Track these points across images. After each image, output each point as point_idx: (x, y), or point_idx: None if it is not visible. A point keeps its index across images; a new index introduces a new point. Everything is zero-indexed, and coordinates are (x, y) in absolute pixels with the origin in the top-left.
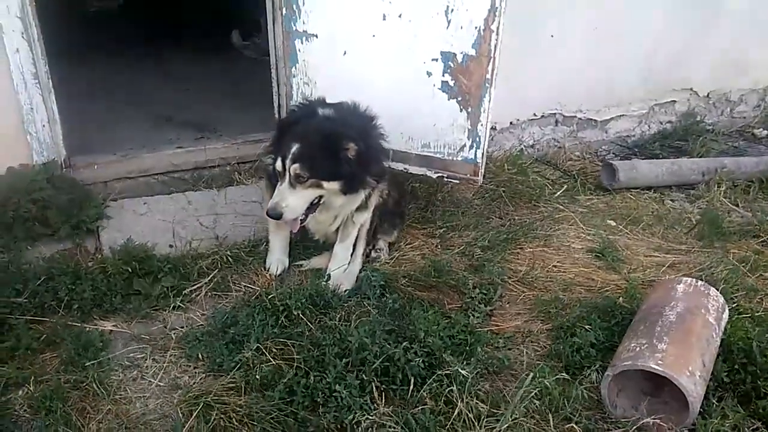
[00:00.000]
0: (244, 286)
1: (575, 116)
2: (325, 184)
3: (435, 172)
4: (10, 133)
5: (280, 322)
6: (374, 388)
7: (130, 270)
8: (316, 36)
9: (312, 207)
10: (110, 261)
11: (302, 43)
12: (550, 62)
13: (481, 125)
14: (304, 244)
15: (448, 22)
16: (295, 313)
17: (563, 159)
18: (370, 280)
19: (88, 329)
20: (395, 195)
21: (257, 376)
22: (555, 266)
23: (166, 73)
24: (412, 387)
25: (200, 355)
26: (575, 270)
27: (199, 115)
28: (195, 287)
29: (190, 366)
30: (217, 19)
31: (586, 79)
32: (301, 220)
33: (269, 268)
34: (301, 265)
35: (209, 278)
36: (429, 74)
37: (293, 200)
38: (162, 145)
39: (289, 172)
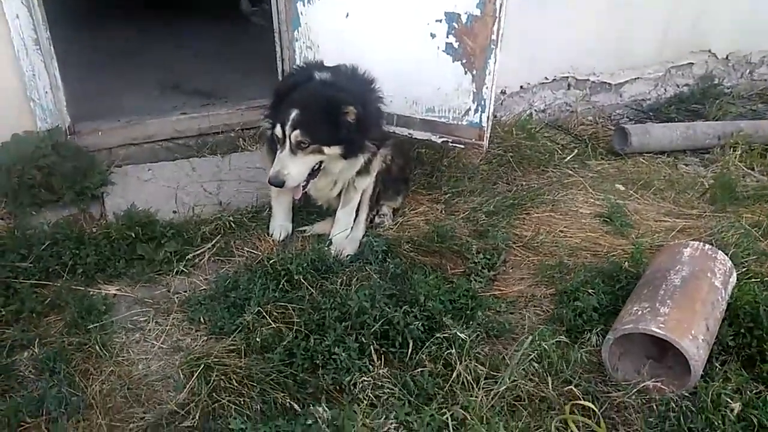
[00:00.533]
0: (247, 251)
1: (588, 79)
2: (325, 149)
3: (440, 137)
4: (13, 99)
5: (281, 286)
6: (373, 350)
7: (133, 235)
8: None
9: (313, 173)
10: (114, 226)
11: (304, 5)
12: (562, 23)
13: (486, 88)
14: (307, 209)
15: None
16: (297, 277)
17: (575, 124)
18: (373, 245)
19: (91, 293)
20: (399, 161)
21: (257, 339)
22: (561, 231)
23: (174, 40)
24: (411, 350)
25: (202, 319)
26: (582, 235)
27: (206, 82)
28: (198, 252)
29: (192, 329)
30: None
31: (601, 41)
32: (302, 186)
33: (272, 234)
34: (304, 231)
35: (212, 243)
36: (433, 36)
37: (295, 167)
38: (166, 112)
39: (290, 138)
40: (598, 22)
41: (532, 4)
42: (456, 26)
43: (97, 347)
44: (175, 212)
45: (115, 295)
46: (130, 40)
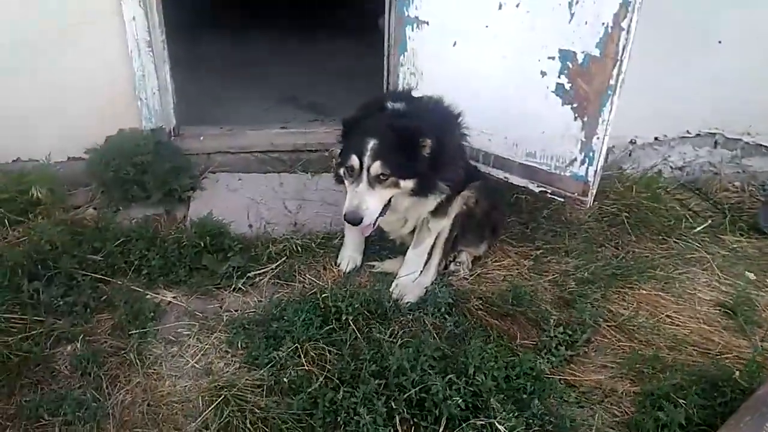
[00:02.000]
0: (308, 278)
1: (741, 139)
2: (401, 182)
3: (538, 186)
4: (122, 96)
5: (328, 324)
6: (400, 420)
7: (201, 244)
8: (427, 23)
9: (384, 209)
10: (187, 232)
11: (413, 30)
12: (714, 71)
13: (597, 138)
14: (381, 243)
15: (571, 15)
16: (345, 317)
17: (717, 188)
18: (437, 295)
19: (148, 296)
20: (485, 204)
21: (285, 379)
22: (668, 317)
23: (308, 54)
24: (443, 428)
25: (239, 344)
26: (692, 325)
27: (324, 98)
28: (260, 271)
29: (228, 353)
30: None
31: (761, 95)
32: (373, 223)
33: (340, 264)
34: (374, 266)
35: (276, 265)
36: (543, 74)
37: (373, 202)
38: (268, 124)
39: (369, 170)
40: (760, 72)
41: (677, 46)
42: (570, 66)
43: (131, 355)
44: (250, 226)
45: (169, 302)
46: (261, 50)
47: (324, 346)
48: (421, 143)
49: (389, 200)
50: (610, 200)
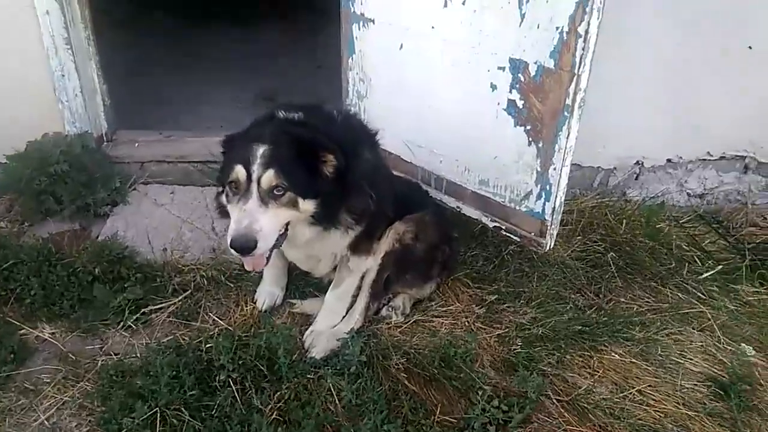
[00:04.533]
0: (212, 317)
1: None
2: (301, 202)
3: (491, 220)
4: (44, 98)
5: (202, 383)
6: None
7: (96, 272)
8: (373, 21)
9: (279, 238)
10: (82, 256)
11: (359, 29)
12: (743, 83)
13: (554, 169)
14: (307, 278)
15: (522, 16)
16: (221, 377)
17: (742, 222)
18: (346, 350)
19: (23, 331)
20: (429, 238)
21: None
22: (639, 392)
23: (272, 44)
24: None
25: (95, 403)
26: (669, 407)
27: (304, 97)
28: (159, 306)
29: (82, 411)
30: None
31: None
32: (266, 257)
33: (256, 300)
34: (293, 304)
35: (180, 299)
36: (493, 87)
37: (267, 221)
38: (209, 130)
39: (259, 182)
40: None
41: (697, 53)
42: (522, 79)
43: None
44: (164, 250)
45: (45, 340)
46: (223, 47)
47: (186, 413)
48: (321, 158)
49: (286, 228)
50: (598, 235)
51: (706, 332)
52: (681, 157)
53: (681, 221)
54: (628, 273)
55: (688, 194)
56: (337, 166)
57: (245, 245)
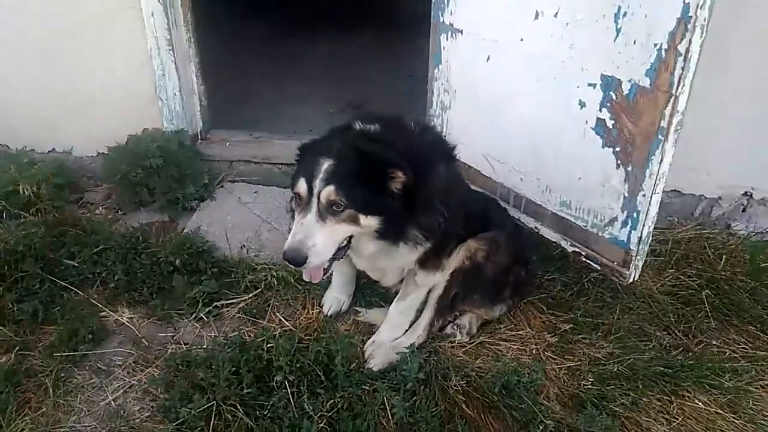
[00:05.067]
0: (279, 317)
1: None
2: (362, 218)
3: (571, 245)
4: (145, 95)
5: (259, 382)
6: None
7: (177, 263)
8: (461, 32)
9: (339, 251)
10: (165, 247)
11: (447, 39)
12: None
13: (644, 195)
14: (375, 287)
15: (617, 31)
16: (278, 378)
17: None
18: (405, 365)
19: (104, 313)
20: (502, 258)
21: None
22: None
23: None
24: None
25: (159, 389)
26: None
27: (392, 106)
28: (231, 301)
29: (149, 395)
30: None
31: None
32: (324, 269)
33: (323, 305)
34: (359, 313)
35: (251, 296)
36: (582, 105)
37: (322, 238)
38: (293, 133)
39: (319, 197)
40: None
41: None
42: (614, 97)
43: (47, 380)
44: (243, 247)
45: (123, 323)
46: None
47: (241, 409)
48: (389, 174)
49: (348, 241)
50: (694, 269)
51: None
52: None
53: None
54: (723, 314)
55: None
56: (405, 182)
57: (296, 259)
